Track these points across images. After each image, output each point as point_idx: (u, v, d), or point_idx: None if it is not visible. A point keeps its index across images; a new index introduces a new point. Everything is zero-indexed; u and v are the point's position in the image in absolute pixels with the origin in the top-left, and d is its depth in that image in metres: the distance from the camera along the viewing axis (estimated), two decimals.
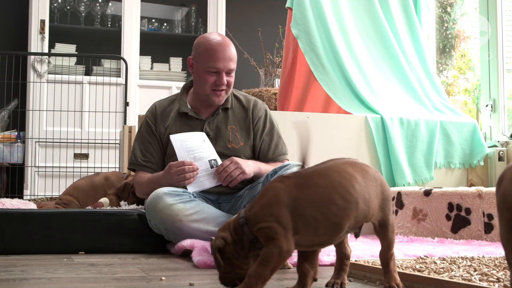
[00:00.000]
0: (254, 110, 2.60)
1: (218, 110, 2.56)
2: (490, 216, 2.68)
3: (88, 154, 4.68)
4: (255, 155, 2.59)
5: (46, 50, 4.82)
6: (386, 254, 1.44)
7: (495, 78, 4.17)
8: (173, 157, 2.49)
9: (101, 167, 4.31)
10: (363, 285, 1.59)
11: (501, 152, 3.71)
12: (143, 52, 5.16)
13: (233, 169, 2.35)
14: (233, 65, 2.49)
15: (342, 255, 1.48)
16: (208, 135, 2.51)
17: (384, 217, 1.41)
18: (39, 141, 4.69)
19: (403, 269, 1.57)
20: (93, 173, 3.76)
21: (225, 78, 2.46)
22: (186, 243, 2.13)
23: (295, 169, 2.26)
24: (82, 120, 4.82)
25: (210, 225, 2.23)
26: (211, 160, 2.40)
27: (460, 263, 1.70)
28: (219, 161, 2.41)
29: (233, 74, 2.51)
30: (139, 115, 3.23)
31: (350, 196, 1.34)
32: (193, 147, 2.40)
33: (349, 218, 1.34)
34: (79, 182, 3.26)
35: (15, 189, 4.48)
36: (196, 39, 2.57)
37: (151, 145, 2.55)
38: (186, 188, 2.38)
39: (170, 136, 2.43)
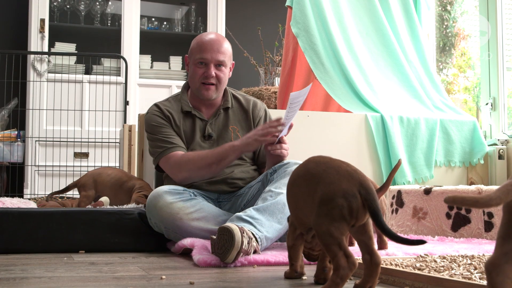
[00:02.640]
0: (254, 110, 2.61)
1: (219, 111, 2.55)
2: (490, 215, 2.68)
3: (88, 153, 4.68)
4: (256, 155, 2.59)
5: (46, 49, 4.82)
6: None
7: (495, 77, 4.17)
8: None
9: (101, 166, 4.31)
10: None
11: (501, 151, 3.70)
12: (143, 51, 5.16)
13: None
14: (222, 58, 2.46)
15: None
16: (210, 136, 2.51)
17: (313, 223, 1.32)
18: (39, 140, 4.69)
19: (403, 268, 1.57)
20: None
21: (213, 70, 2.44)
22: (187, 241, 2.13)
23: (294, 167, 2.26)
24: (82, 119, 4.82)
25: (210, 224, 2.23)
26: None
27: (460, 261, 1.70)
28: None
29: (223, 69, 2.49)
30: (139, 114, 3.23)
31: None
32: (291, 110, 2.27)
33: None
34: (112, 173, 3.03)
35: (15, 188, 4.49)
36: (194, 39, 2.58)
37: (167, 127, 2.47)
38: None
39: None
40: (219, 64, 2.47)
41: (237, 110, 2.60)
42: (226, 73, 2.52)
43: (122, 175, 3.03)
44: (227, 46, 2.50)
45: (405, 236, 1.21)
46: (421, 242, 1.24)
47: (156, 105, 2.59)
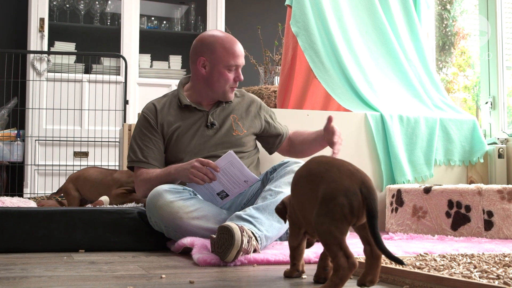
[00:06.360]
0: (252, 104, 2.70)
1: (220, 102, 2.63)
2: (490, 213, 2.68)
3: (88, 152, 4.68)
4: (274, 142, 2.75)
5: (45, 49, 4.82)
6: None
7: (494, 76, 4.17)
8: (176, 154, 2.50)
9: (101, 165, 4.31)
10: None
11: (500, 149, 3.70)
12: (142, 50, 5.16)
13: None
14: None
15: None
16: (213, 124, 2.55)
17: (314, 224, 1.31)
18: (38, 139, 4.69)
19: (403, 266, 1.57)
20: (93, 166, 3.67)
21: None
22: (186, 241, 2.13)
23: (293, 166, 2.28)
24: (82, 118, 4.82)
25: (210, 223, 2.23)
26: (222, 191, 2.34)
27: (460, 260, 1.70)
28: (230, 195, 2.35)
29: None
30: (138, 113, 3.23)
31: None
32: (232, 174, 2.29)
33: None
34: (91, 173, 3.11)
35: (15, 187, 4.49)
36: (203, 38, 2.57)
37: (150, 140, 2.54)
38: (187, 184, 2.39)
39: (231, 151, 2.29)
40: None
41: (236, 101, 2.67)
42: None
43: (98, 174, 3.10)
44: None
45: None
46: (401, 262, 1.27)
47: (153, 104, 2.62)
